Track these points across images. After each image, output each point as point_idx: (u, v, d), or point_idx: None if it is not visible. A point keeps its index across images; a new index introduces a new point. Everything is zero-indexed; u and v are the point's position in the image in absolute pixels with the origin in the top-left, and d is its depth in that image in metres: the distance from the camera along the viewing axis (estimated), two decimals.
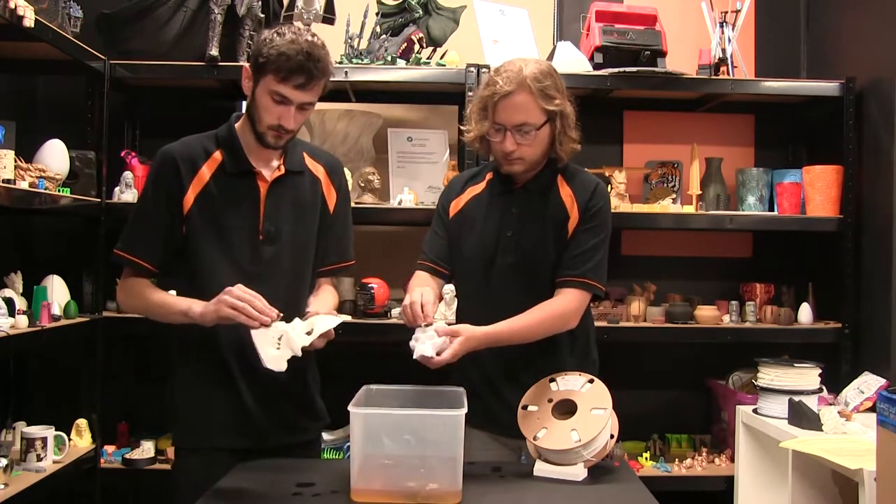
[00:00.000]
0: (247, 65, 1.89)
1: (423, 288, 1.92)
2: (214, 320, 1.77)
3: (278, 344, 1.73)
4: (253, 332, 1.74)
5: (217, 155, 1.92)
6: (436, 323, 1.83)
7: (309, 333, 1.75)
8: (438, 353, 1.79)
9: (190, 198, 1.88)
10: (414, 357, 1.79)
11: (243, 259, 1.89)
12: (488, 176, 2.12)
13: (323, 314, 1.82)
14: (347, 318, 1.80)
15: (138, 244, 1.91)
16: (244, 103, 3.13)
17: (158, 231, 1.90)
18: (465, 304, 2.02)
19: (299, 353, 1.72)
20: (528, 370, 1.96)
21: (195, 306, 1.81)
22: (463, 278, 2.08)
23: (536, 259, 2.02)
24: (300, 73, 1.80)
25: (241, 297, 1.74)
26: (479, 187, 2.12)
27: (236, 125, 1.96)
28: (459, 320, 1.94)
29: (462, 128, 2.09)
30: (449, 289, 1.99)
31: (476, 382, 2.00)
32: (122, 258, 1.92)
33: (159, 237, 1.90)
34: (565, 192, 2.04)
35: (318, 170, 2.03)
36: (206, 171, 1.90)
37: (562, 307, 1.98)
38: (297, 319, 1.78)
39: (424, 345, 1.78)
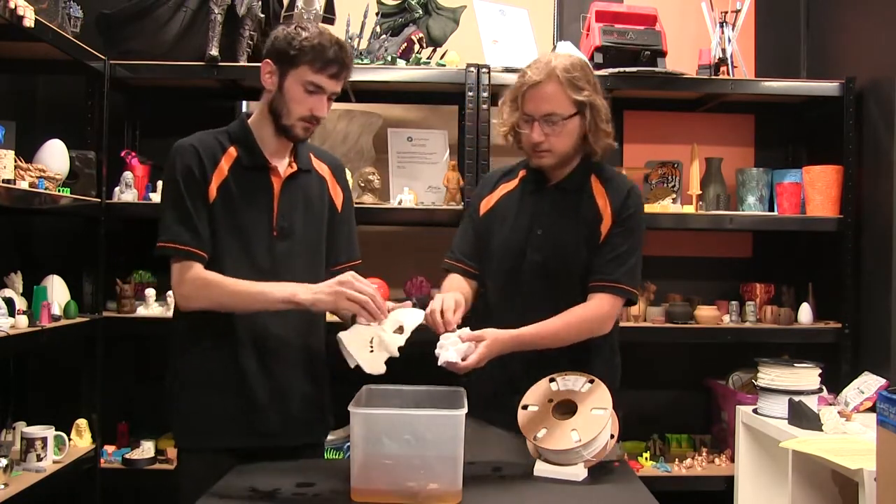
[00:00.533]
0: (268, 60, 1.89)
1: (445, 294, 1.91)
2: (329, 309, 1.79)
3: (371, 346, 1.73)
4: (343, 335, 1.75)
5: (232, 150, 1.92)
6: (458, 330, 1.82)
7: (397, 331, 1.75)
8: (463, 359, 1.78)
9: (213, 189, 1.88)
10: (439, 363, 1.78)
11: (259, 254, 1.90)
12: (521, 173, 2.11)
13: (401, 308, 1.81)
14: (423, 311, 1.80)
15: (185, 232, 1.84)
16: (245, 103, 3.17)
17: (198, 217, 1.85)
18: (494, 302, 2.00)
19: (397, 354, 1.73)
20: (551, 366, 1.92)
21: (301, 293, 1.79)
22: (491, 276, 2.06)
23: (567, 258, 1.99)
24: (335, 63, 1.86)
25: (362, 291, 1.75)
26: (511, 184, 2.10)
27: (249, 121, 1.96)
28: (487, 320, 1.92)
29: (495, 121, 2.09)
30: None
31: (500, 382, 1.97)
32: (171, 250, 1.85)
33: (201, 223, 1.86)
34: (599, 193, 2.02)
35: (324, 169, 2.04)
36: (224, 164, 1.90)
37: (594, 312, 1.96)
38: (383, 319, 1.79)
39: (448, 351, 1.77)
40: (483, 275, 2.08)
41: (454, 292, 1.94)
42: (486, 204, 2.11)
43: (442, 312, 1.83)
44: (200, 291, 1.84)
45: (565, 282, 2.00)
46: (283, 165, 1.95)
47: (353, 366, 1.76)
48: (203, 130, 1.96)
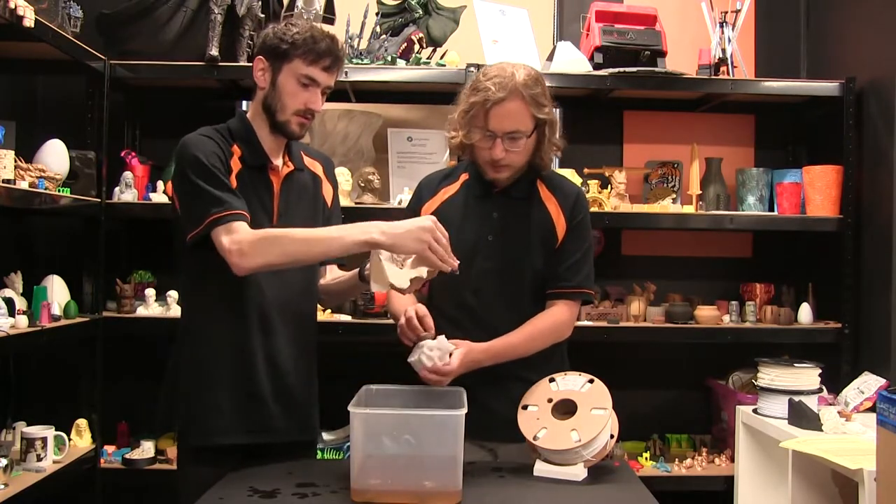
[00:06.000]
0: (261, 57, 1.89)
1: (416, 305, 1.90)
2: (408, 253, 1.72)
3: (402, 264, 1.73)
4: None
5: (236, 147, 1.90)
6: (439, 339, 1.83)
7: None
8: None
9: (233, 179, 1.85)
10: (428, 364, 1.79)
11: None
12: (463, 177, 2.08)
13: None
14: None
15: (229, 198, 1.78)
16: (244, 103, 3.17)
17: (233, 190, 1.82)
18: (445, 311, 1.97)
19: (424, 275, 1.72)
20: (505, 374, 1.94)
21: (376, 234, 1.70)
22: (441, 285, 2.03)
23: (520, 264, 2.00)
24: (328, 55, 1.85)
25: (440, 241, 1.72)
26: (453, 188, 2.08)
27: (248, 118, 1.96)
28: (439, 329, 1.90)
29: (446, 134, 2.04)
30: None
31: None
32: (226, 218, 1.76)
33: (237, 194, 1.82)
34: (548, 198, 2.02)
35: (317, 167, 2.05)
36: (235, 160, 1.89)
37: (561, 319, 1.99)
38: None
39: (444, 354, 1.80)
40: (431, 283, 2.05)
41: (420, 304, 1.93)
42: (427, 209, 2.06)
43: (419, 318, 1.83)
44: (262, 246, 1.74)
45: (517, 287, 2.00)
46: (280, 164, 1.96)
47: (374, 287, 1.76)
48: (204, 128, 1.93)
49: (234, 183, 1.85)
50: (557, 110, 3.29)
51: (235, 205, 1.79)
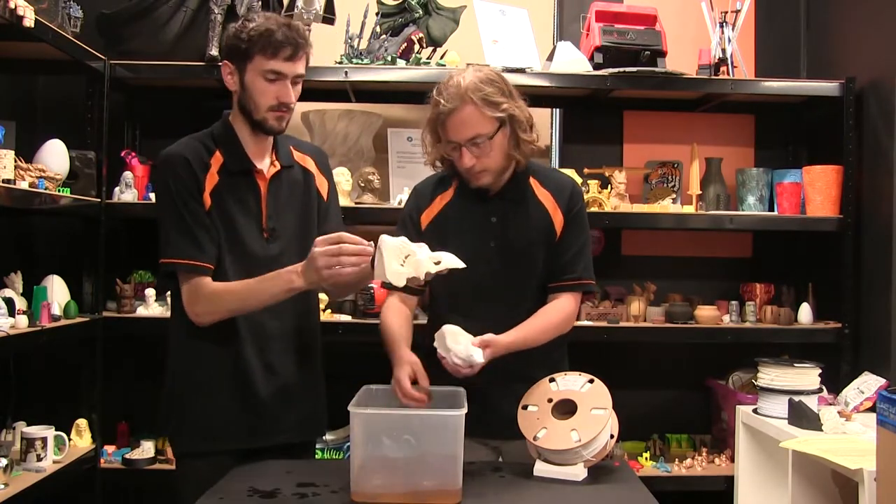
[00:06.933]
0: (226, 61, 1.90)
1: (410, 360, 1.84)
2: (323, 277, 1.73)
3: (404, 261, 1.73)
4: (386, 238, 1.73)
5: (218, 155, 1.91)
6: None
7: (437, 264, 1.75)
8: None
9: (207, 198, 1.87)
10: (468, 365, 1.77)
11: (254, 258, 1.89)
12: (456, 182, 2.07)
13: (445, 253, 1.78)
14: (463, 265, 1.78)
15: (188, 246, 1.84)
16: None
17: (198, 228, 1.85)
18: (449, 314, 1.97)
19: (421, 278, 1.72)
20: (510, 372, 1.93)
21: (297, 281, 1.77)
22: (443, 288, 2.02)
23: (523, 268, 2.00)
24: (286, 45, 1.84)
25: (331, 264, 1.71)
26: (448, 194, 2.07)
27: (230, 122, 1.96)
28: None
29: (422, 152, 2.06)
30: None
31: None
32: (178, 266, 1.85)
33: (202, 234, 1.85)
34: (543, 195, 2.02)
35: (308, 162, 2.05)
36: (214, 171, 1.89)
37: (566, 312, 1.99)
38: (425, 246, 1.77)
39: (478, 353, 1.78)
40: (431, 288, 2.04)
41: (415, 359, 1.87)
42: (426, 217, 2.06)
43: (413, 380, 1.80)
44: (213, 305, 1.84)
45: (520, 291, 2.01)
46: (266, 165, 1.95)
47: (376, 277, 1.75)
48: (188, 136, 1.95)
49: (208, 202, 1.86)
50: (557, 110, 3.31)
51: (192, 253, 1.83)
